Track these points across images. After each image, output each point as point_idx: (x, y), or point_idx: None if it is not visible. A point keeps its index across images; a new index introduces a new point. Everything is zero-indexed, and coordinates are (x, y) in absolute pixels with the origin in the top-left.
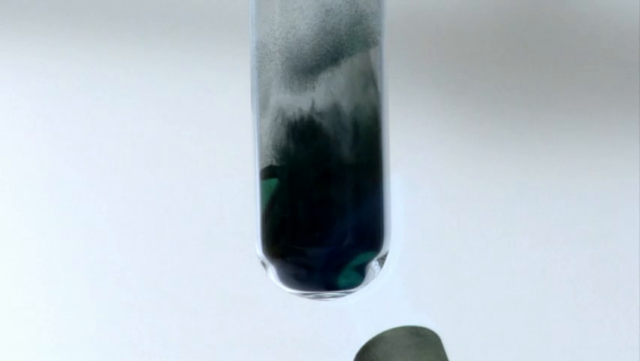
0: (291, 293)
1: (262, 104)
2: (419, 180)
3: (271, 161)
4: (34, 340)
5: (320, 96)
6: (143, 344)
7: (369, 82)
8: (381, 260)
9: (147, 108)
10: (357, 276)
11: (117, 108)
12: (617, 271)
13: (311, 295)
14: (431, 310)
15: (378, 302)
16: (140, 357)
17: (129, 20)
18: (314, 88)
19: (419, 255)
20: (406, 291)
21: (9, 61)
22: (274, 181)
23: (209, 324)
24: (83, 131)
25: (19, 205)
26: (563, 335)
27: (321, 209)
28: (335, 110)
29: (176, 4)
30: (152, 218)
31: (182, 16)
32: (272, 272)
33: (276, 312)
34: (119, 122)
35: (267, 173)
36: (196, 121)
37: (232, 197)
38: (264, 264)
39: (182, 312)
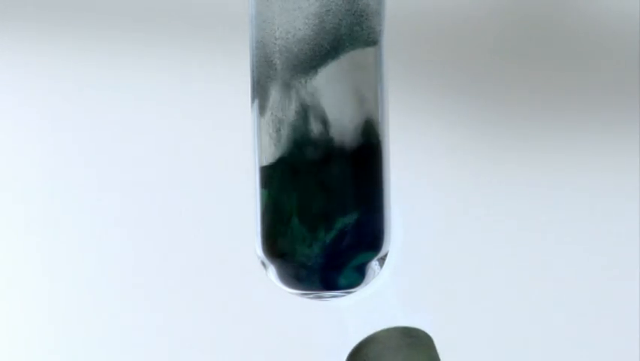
0: (291, 293)
1: (262, 103)
2: (419, 180)
3: (271, 160)
4: (34, 340)
5: (320, 96)
6: (143, 344)
7: (370, 81)
8: (381, 260)
9: (147, 108)
10: (357, 276)
11: (117, 108)
12: (618, 272)
13: (311, 295)
14: (424, 311)
15: (371, 303)
16: (139, 357)
17: (129, 20)
18: (314, 87)
19: (415, 256)
20: (400, 292)
21: (9, 61)
22: (272, 181)
23: (208, 324)
24: (82, 131)
25: (20, 205)
26: (561, 338)
27: (321, 208)
28: (334, 109)
29: (176, 4)
30: (151, 218)
31: (183, 16)
32: (272, 272)
33: (275, 312)
34: (118, 122)
35: (267, 172)
36: (196, 121)
37: (232, 197)
38: (264, 264)
39: (181, 312)
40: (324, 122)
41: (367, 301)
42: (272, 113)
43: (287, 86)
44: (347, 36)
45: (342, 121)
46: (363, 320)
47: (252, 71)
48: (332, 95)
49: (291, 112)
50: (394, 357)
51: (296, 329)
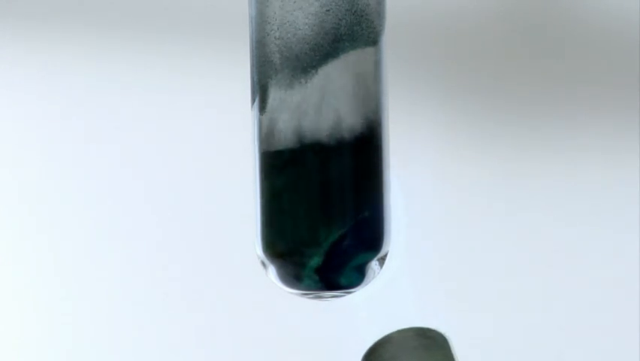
0: (291, 293)
1: (262, 103)
2: (419, 180)
3: (271, 160)
4: (34, 340)
5: (320, 95)
6: (143, 344)
7: (369, 81)
8: (381, 260)
9: (147, 108)
10: (357, 276)
11: (117, 108)
12: (619, 271)
13: (311, 295)
14: (438, 312)
15: (385, 303)
16: (139, 357)
17: (129, 20)
18: (314, 87)
19: (424, 256)
20: (413, 292)
21: (10, 61)
22: (272, 182)
23: (209, 324)
24: (82, 132)
25: (21, 206)
26: (569, 334)
27: (321, 209)
28: (335, 109)
29: (176, 5)
30: (152, 219)
31: (183, 17)
32: (272, 272)
33: (275, 312)
34: (119, 123)
35: (267, 172)
36: (196, 120)
37: (232, 197)
38: (264, 264)
39: (182, 312)
40: (324, 122)
41: (381, 300)
42: (272, 113)
43: (287, 86)
44: (347, 36)
45: (342, 121)
46: (377, 319)
47: (252, 71)
48: (332, 95)
49: (290, 112)
50: (409, 358)
51: (311, 330)
